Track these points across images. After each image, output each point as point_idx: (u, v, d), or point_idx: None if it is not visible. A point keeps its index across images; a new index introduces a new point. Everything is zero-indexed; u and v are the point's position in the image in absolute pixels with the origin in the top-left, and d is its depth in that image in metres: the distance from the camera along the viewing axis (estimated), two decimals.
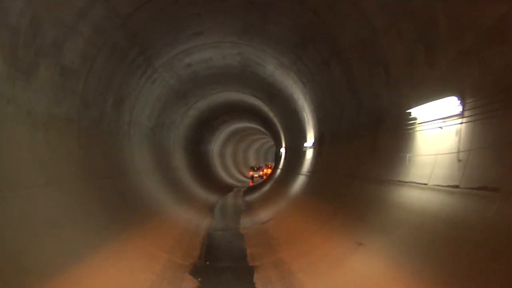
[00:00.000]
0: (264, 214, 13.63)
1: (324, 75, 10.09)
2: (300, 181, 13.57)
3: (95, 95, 8.52)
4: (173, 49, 11.50)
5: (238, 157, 47.88)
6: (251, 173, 38.92)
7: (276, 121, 22.15)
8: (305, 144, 14.23)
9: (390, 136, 6.97)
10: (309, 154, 13.48)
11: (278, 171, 22.46)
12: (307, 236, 8.29)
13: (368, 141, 7.88)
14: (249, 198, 21.40)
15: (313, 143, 13.01)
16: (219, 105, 23.87)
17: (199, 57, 13.42)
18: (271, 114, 22.10)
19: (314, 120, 12.67)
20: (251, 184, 34.71)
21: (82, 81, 7.60)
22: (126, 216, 8.63)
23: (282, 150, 22.30)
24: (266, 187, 22.09)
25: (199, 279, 7.09)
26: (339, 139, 9.90)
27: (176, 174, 19.50)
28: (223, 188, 27.60)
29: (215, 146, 34.28)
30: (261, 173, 39.70)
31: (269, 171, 38.13)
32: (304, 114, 14.04)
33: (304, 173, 13.43)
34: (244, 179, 41.81)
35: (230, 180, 35.08)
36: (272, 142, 50.26)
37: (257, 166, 42.77)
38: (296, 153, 16.55)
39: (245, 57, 13.53)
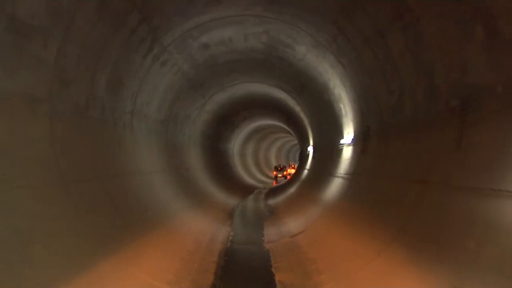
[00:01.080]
0: (293, 224, 11.43)
1: (375, 50, 7.83)
2: (336, 185, 11.32)
3: (78, 70, 6.47)
4: (185, 21, 9.39)
5: (259, 156, 45.79)
6: (275, 173, 38.98)
7: (303, 116, 19.91)
8: (342, 141, 11.97)
9: (495, 124, 4.70)
10: (347, 152, 11.23)
11: (305, 171, 20.22)
12: (360, 264, 6.06)
13: (449, 133, 5.60)
14: (273, 201, 19.22)
15: (353, 139, 10.76)
16: (240, 99, 21.78)
17: (217, 36, 11.30)
18: (297, 109, 19.87)
19: (356, 112, 10.41)
20: (274, 184, 33.67)
21: (55, 46, 5.53)
22: (116, 231, 6.55)
23: (310, 149, 20.07)
24: (292, 189, 19.86)
25: None
26: (395, 133, 7.64)
27: (191, 175, 17.48)
28: (243, 190, 25.52)
29: (235, 144, 32.28)
30: (284, 173, 39.49)
31: (292, 171, 37.71)
32: (341, 106, 11.78)
33: (341, 175, 11.18)
34: (266, 179, 39.79)
35: (251, 181, 33.02)
36: (294, 141, 48.44)
37: (280, 166, 41.93)
38: (328, 152, 14.29)
39: (272, 36, 11.34)
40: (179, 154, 16.42)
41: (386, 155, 8.04)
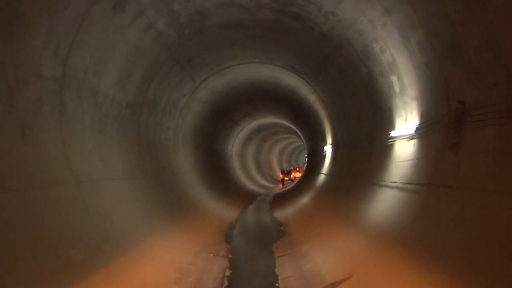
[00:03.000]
0: (322, 259, 7.44)
1: None
2: (389, 200, 7.33)
3: None
4: None
5: (261, 159, 41.78)
6: (281, 176, 38.32)
7: (318, 107, 15.92)
8: (393, 133, 7.99)
9: None
10: (406, 149, 7.26)
11: (321, 177, 16.19)
12: None
13: None
14: (281, 214, 15.23)
15: (419, 128, 6.80)
16: (240, 89, 17.85)
17: None
18: (311, 99, 15.91)
19: (428, 82, 6.45)
20: (281, 187, 32.80)
21: None
22: None
23: (327, 148, 16.06)
24: (304, 199, 15.86)
25: None
26: None
27: (178, 181, 13.52)
28: (243, 197, 21.55)
29: (234, 145, 28.33)
30: (291, 176, 38.60)
31: (298, 174, 37.66)
32: (393, 79, 7.81)
33: (397, 184, 7.21)
34: (268, 184, 35.88)
35: (251, 186, 29.05)
36: (298, 143, 44.78)
37: (287, 169, 40.93)
38: (363, 150, 10.33)
39: None
40: (161, 154, 12.47)
41: None
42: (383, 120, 8.80)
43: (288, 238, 10.68)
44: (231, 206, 17.10)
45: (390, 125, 8.28)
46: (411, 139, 7.06)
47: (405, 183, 6.87)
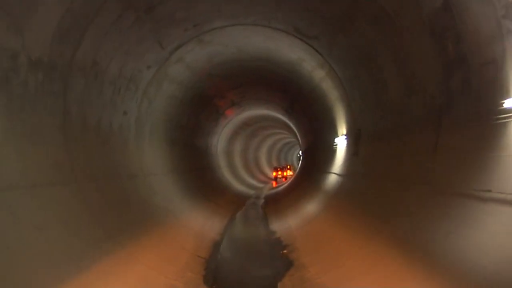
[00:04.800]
0: None
1: None
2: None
3: None
4: None
5: (249, 156, 38.16)
6: (275, 174, 38.38)
7: (329, 86, 12.21)
8: (509, 104, 4.33)
9: None
10: None
11: (332, 177, 12.49)
12: None
13: None
14: (280, 227, 11.58)
15: None
16: (227, 67, 14.12)
17: None
18: (319, 75, 12.22)
19: None
20: (274, 184, 32.37)
21: None
22: None
23: (339, 141, 12.38)
24: (311, 207, 12.17)
25: None
26: None
27: (140, 186, 9.75)
28: (230, 201, 17.86)
29: (219, 140, 24.58)
30: (284, 173, 38.38)
31: (289, 172, 37.80)
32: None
33: None
34: (257, 183, 32.42)
35: (239, 187, 25.39)
36: (288, 139, 41.57)
37: (280, 166, 41.31)
38: (415, 141, 6.71)
39: None
40: (113, 148, 8.72)
41: None
42: (471, 83, 5.16)
43: (300, 273, 7.00)
44: (215, 215, 13.39)
45: (494, 91, 4.64)
46: None
47: None
